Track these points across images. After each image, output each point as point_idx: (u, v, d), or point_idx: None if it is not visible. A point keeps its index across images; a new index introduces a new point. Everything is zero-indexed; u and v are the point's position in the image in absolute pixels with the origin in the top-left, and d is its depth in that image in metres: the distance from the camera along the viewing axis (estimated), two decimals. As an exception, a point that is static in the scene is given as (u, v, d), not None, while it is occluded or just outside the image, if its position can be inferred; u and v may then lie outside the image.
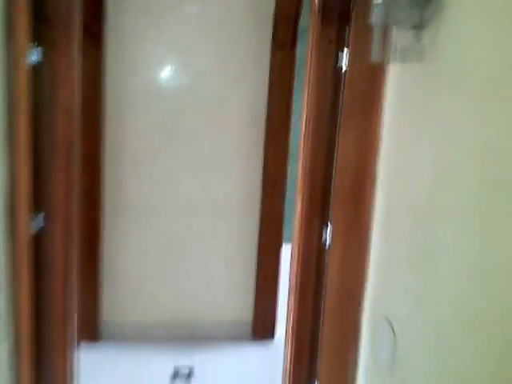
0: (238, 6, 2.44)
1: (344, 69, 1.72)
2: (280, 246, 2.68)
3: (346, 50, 1.70)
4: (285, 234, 2.70)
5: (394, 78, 1.20)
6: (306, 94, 1.81)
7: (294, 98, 2.52)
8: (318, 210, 1.88)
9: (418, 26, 0.99)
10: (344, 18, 1.69)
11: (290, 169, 2.61)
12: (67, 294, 1.81)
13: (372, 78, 1.60)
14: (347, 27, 1.69)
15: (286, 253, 2.79)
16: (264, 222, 2.62)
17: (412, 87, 1.10)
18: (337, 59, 1.74)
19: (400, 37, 1.02)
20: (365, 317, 1.43)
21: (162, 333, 2.67)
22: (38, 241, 1.72)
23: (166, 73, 2.48)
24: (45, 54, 1.71)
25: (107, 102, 2.44)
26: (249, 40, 2.46)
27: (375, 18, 1.01)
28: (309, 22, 2.34)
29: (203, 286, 2.71)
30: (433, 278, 0.98)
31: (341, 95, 1.74)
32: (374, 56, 1.05)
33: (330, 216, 1.84)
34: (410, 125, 1.10)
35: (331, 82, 1.75)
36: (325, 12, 1.70)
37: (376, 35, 1.03)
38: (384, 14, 0.99)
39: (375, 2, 1.00)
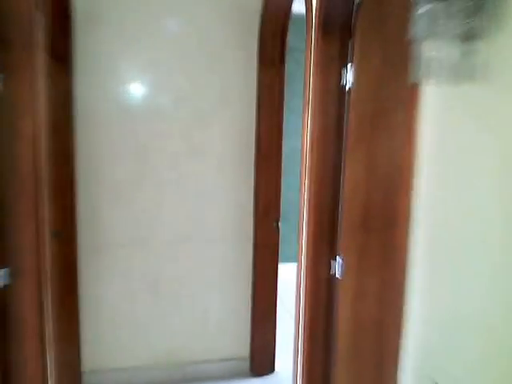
0: (221, 22, 2.25)
1: (348, 86, 1.55)
2: (276, 274, 2.47)
3: (349, 65, 1.54)
4: (282, 253, 2.54)
5: (429, 99, 1.03)
6: (308, 114, 1.63)
7: (286, 117, 2.34)
8: (325, 240, 1.69)
9: (469, 38, 0.82)
10: (346, 32, 1.53)
11: (283, 188, 2.44)
12: (41, 359, 1.54)
13: (385, 96, 1.44)
14: (350, 41, 1.52)
15: (283, 272, 2.63)
16: (258, 250, 2.41)
17: (457, 111, 0.92)
18: (340, 76, 1.57)
19: (445, 52, 0.85)
20: (398, 368, 1.23)
21: (151, 378, 2.40)
22: (3, 299, 1.45)
23: (144, 94, 2.26)
24: (4, 80, 1.46)
25: (78, 128, 2.19)
26: (234, 57, 2.27)
27: (417, 30, 0.83)
28: (295, 37, 2.18)
29: (195, 323, 2.47)
30: (495, 330, 0.79)
31: (346, 115, 1.57)
32: (415, 75, 0.87)
33: (339, 246, 1.65)
34: (458, 151, 0.92)
35: (335, 102, 1.58)
36: (325, 25, 1.53)
37: (417, 51, 0.85)
38: (428, 24, 0.82)
39: (417, 12, 0.83)
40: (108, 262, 2.34)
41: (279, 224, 2.39)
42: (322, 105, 1.59)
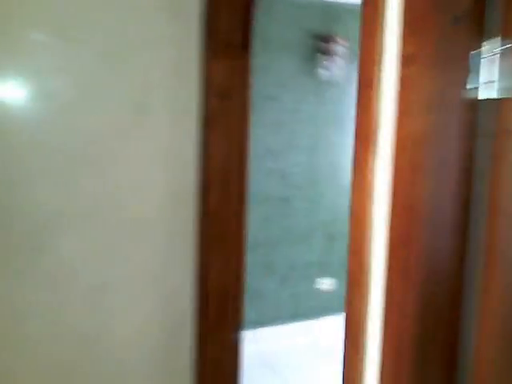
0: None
1: (492, 94, 0.66)
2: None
3: (494, 45, 0.65)
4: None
5: None
6: (372, 155, 0.70)
7: (255, 143, 1.35)
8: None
9: None
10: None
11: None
12: None
13: None
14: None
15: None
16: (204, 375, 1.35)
17: None
18: (467, 70, 0.68)
19: None
20: None
21: None
22: None
23: (13, 92, 1.08)
24: None
25: None
26: (162, 34, 1.22)
27: None
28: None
29: None
30: None
31: (476, 159, 0.68)
32: None
33: None
34: None
35: (456, 128, 0.67)
36: None
37: None
38: None
39: None
40: None
41: (239, 337, 1.35)
42: (421, 136, 0.67)
